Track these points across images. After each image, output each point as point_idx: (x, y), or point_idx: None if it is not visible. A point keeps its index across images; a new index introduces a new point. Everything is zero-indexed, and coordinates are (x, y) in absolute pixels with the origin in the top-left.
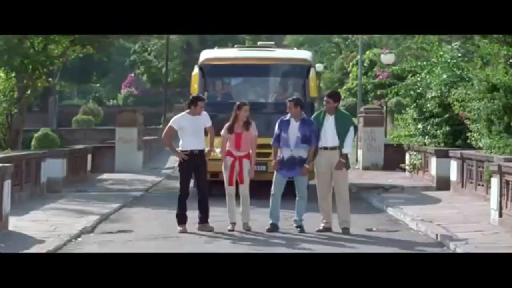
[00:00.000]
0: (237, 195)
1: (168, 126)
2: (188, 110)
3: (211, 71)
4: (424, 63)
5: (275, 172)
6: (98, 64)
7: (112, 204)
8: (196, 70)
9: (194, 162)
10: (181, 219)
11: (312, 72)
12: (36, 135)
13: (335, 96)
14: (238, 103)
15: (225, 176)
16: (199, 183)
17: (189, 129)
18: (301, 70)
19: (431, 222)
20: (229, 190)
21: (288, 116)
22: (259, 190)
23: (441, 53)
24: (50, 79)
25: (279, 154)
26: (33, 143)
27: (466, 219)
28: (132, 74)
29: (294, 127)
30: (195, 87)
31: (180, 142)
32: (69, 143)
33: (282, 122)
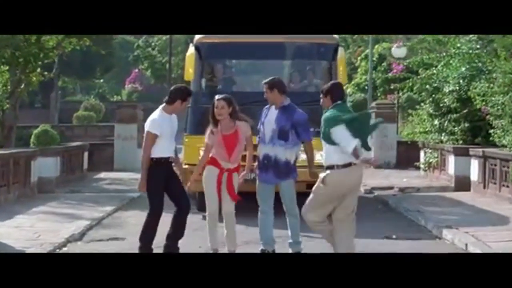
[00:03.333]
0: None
1: (147, 133)
2: (164, 105)
3: (210, 51)
4: (443, 54)
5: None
6: (101, 59)
7: (106, 206)
8: (191, 49)
9: (169, 172)
10: (146, 249)
11: (340, 53)
12: (35, 131)
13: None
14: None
15: (206, 191)
16: (178, 195)
17: (168, 133)
18: (326, 50)
19: (458, 229)
20: (211, 208)
21: (267, 106)
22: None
23: (458, 44)
24: (46, 73)
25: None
26: (32, 139)
27: (495, 224)
28: (136, 70)
29: (272, 117)
30: (190, 72)
31: (154, 149)
32: (70, 140)
33: (263, 110)
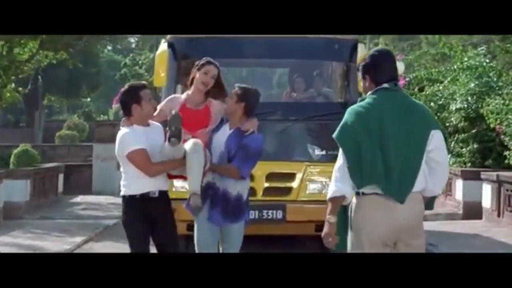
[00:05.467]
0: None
1: (135, 151)
2: (122, 120)
3: (188, 49)
4: (453, 67)
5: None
6: (88, 78)
7: (76, 237)
8: (163, 47)
9: (152, 214)
10: None
11: (361, 51)
12: (15, 151)
13: None
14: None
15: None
16: (167, 245)
17: (149, 151)
18: (342, 48)
19: None
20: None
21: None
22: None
23: (466, 58)
24: (21, 89)
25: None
26: (12, 159)
27: None
28: None
29: (222, 137)
30: (161, 76)
31: (123, 181)
32: (51, 160)
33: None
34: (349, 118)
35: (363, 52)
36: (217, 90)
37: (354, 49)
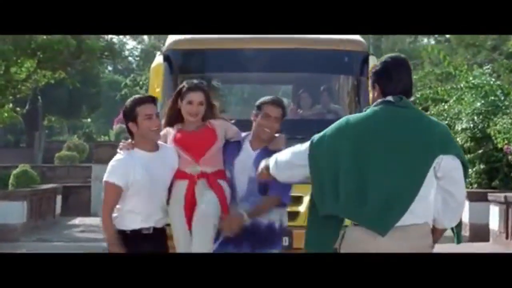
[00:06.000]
0: None
1: (106, 182)
2: (130, 141)
3: (186, 62)
4: (459, 86)
5: None
6: (88, 98)
7: None
8: (158, 60)
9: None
10: None
11: (372, 64)
12: (14, 172)
13: None
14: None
15: (173, 228)
16: None
17: (143, 183)
18: (351, 60)
19: None
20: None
21: (243, 135)
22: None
23: (471, 78)
24: (18, 109)
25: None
26: (11, 180)
27: None
28: None
29: (248, 159)
30: (156, 92)
31: (117, 212)
32: (51, 181)
33: (230, 145)
34: (328, 131)
35: (374, 65)
36: (208, 110)
37: (365, 61)
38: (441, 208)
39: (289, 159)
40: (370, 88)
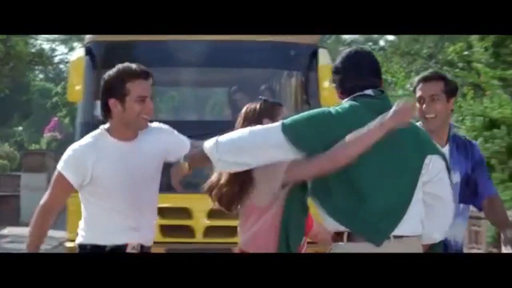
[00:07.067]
0: None
1: (56, 176)
2: (107, 126)
3: (111, 55)
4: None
5: None
6: (19, 106)
7: None
8: (79, 53)
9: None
10: None
11: (323, 60)
12: None
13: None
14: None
15: None
16: None
17: (118, 180)
18: (297, 54)
19: None
20: None
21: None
22: None
23: (408, 85)
24: None
25: None
26: None
27: None
28: (56, 118)
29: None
30: (76, 90)
31: (83, 224)
32: None
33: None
34: (309, 117)
35: (325, 59)
36: None
37: (314, 54)
38: (428, 218)
39: (252, 140)
40: (331, 84)
